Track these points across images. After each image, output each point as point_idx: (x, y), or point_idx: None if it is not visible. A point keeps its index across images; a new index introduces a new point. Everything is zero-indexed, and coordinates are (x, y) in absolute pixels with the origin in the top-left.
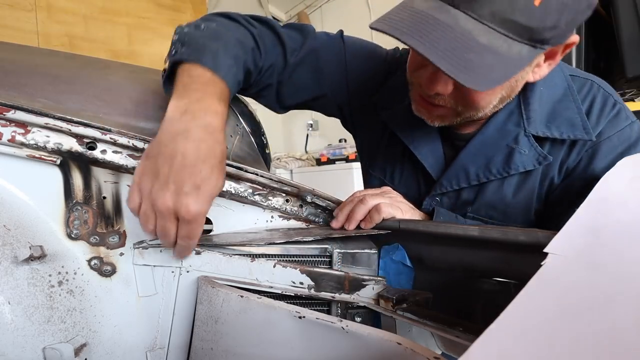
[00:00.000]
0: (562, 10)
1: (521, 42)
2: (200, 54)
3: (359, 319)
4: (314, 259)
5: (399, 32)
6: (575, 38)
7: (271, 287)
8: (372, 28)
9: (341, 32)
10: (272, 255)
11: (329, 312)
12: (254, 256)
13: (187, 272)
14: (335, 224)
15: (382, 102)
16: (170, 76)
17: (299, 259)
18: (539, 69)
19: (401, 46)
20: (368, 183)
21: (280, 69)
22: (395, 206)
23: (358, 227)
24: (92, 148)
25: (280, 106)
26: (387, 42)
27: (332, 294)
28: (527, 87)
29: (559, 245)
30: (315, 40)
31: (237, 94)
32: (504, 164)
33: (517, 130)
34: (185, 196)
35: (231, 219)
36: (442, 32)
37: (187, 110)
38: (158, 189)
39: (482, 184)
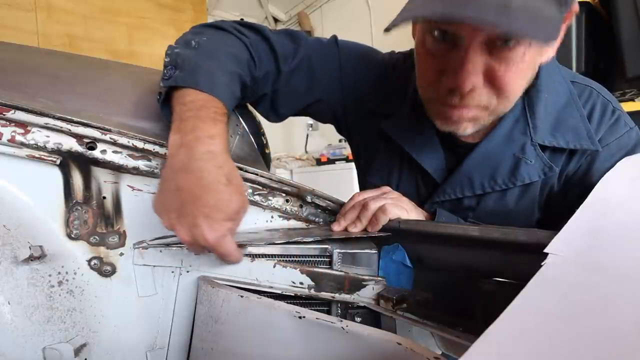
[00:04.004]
0: None
1: (550, 1)
2: (195, 77)
3: (359, 319)
4: (314, 259)
5: (431, 12)
6: (576, 7)
7: (271, 287)
8: (394, 26)
9: (335, 37)
10: (272, 255)
11: (329, 312)
12: (254, 256)
13: (187, 272)
14: (337, 227)
15: (379, 108)
16: (166, 100)
17: (299, 259)
18: (545, 50)
19: (397, 50)
20: (364, 188)
21: (274, 78)
22: (400, 206)
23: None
24: (92, 148)
25: (275, 115)
26: (388, 44)
27: (332, 294)
28: (532, 93)
29: (559, 246)
30: (308, 46)
31: None
32: (509, 174)
33: (523, 139)
34: (198, 229)
35: None
36: None
37: (182, 143)
38: (174, 224)
39: (486, 193)
